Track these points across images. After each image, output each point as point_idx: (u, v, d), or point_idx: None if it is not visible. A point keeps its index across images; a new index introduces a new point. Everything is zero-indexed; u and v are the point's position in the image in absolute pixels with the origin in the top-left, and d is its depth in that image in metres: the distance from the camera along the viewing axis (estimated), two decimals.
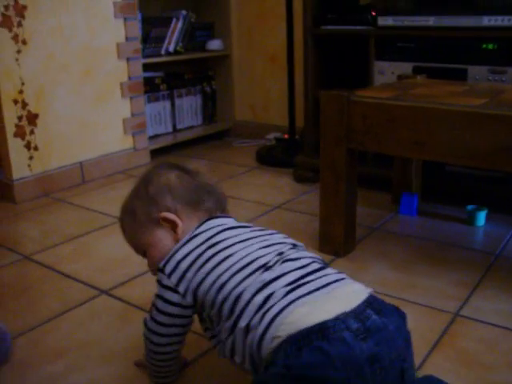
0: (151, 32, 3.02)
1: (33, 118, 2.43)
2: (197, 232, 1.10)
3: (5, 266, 1.82)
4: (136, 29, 2.80)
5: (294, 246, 1.08)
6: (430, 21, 2.17)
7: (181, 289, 1.05)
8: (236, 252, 1.03)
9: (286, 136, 3.05)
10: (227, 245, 1.05)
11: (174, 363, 1.18)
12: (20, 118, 2.39)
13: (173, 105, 3.26)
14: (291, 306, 0.91)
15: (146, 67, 2.93)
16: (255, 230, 1.12)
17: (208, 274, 1.03)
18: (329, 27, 2.43)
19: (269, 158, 2.88)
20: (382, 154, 2.31)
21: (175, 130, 3.31)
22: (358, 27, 2.36)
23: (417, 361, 1.26)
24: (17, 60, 2.34)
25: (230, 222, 1.14)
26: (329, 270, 1.01)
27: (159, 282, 1.08)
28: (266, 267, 0.99)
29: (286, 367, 0.86)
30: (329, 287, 0.95)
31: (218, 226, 1.11)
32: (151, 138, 3.11)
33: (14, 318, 1.51)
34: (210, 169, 2.87)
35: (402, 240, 1.89)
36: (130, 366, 1.30)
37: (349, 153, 1.68)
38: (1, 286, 1.69)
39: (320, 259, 1.06)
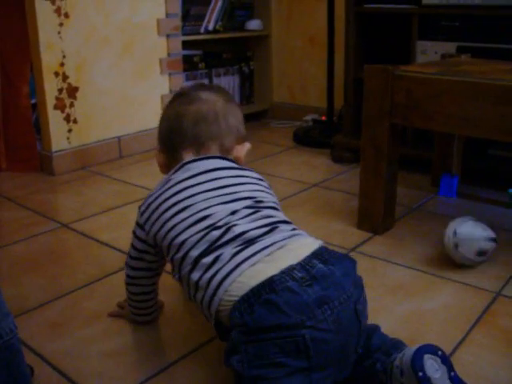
0: (191, 9, 3.01)
1: (73, 91, 2.45)
2: (171, 176, 1.14)
3: (44, 233, 1.84)
4: (176, 5, 2.79)
5: (259, 201, 1.09)
6: None
7: (146, 227, 1.13)
8: (195, 203, 1.06)
9: (323, 118, 3.02)
10: (191, 194, 1.08)
11: (147, 300, 1.26)
12: (60, 91, 2.40)
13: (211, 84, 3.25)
14: (237, 270, 0.96)
15: (185, 45, 2.92)
16: (230, 177, 1.12)
17: (166, 221, 1.08)
18: (371, 5, 2.39)
19: (306, 139, 2.86)
20: (423, 134, 2.30)
21: None
22: (402, 6, 2.31)
23: (458, 337, 1.25)
24: (59, 33, 2.35)
25: (207, 165, 1.13)
26: (282, 227, 1.04)
27: (136, 220, 1.17)
28: (216, 226, 1.02)
29: (244, 325, 0.92)
30: (276, 244, 0.99)
31: (193, 170, 1.12)
32: None
33: (53, 282, 1.52)
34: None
35: (441, 220, 1.85)
36: (165, 330, 1.31)
37: (392, 128, 1.65)
38: (40, 251, 1.71)
39: (280, 216, 1.09)
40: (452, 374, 0.95)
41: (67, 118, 2.45)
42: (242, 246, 0.99)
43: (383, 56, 2.48)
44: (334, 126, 2.85)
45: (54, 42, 2.34)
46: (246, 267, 0.96)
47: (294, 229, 1.07)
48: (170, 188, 1.12)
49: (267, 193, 1.15)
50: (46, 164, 2.46)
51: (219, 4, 3.16)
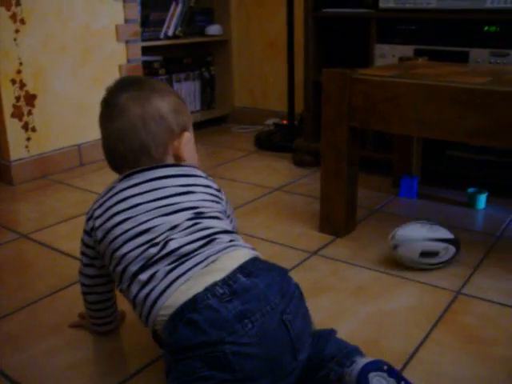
0: (150, 15, 3.00)
1: (31, 99, 2.41)
2: (115, 184, 1.11)
3: (3, 244, 1.81)
4: (135, 11, 2.78)
5: (200, 212, 1.07)
6: (432, 3, 2.15)
7: (92, 234, 1.11)
8: (137, 215, 1.05)
9: (284, 122, 3.04)
10: (133, 204, 1.06)
11: (106, 308, 1.24)
12: (18, 99, 2.37)
13: None
14: (170, 289, 0.97)
15: (144, 51, 2.91)
16: (174, 186, 1.09)
17: (108, 231, 1.07)
18: (330, 10, 2.41)
19: (268, 143, 2.87)
20: (383, 136, 2.33)
21: None
22: (359, 10, 2.34)
23: (420, 336, 1.26)
24: (15, 40, 2.32)
25: (153, 174, 1.10)
26: (219, 239, 1.03)
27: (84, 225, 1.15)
28: (154, 243, 1.01)
29: (169, 345, 0.94)
30: (208, 259, 0.99)
31: (137, 178, 1.09)
32: None
33: (13, 294, 1.50)
34: (209, 153, 2.85)
35: (401, 221, 1.86)
36: (127, 340, 1.30)
37: (350, 131, 1.67)
38: (0, 263, 1.68)
39: (220, 226, 1.07)
40: (402, 383, 0.96)
41: (25, 127, 2.41)
42: (175, 263, 0.99)
43: (342, 60, 2.51)
44: (295, 130, 2.86)
45: (10, 49, 2.30)
46: (178, 285, 0.97)
47: (231, 240, 1.05)
48: (113, 196, 1.09)
49: (212, 201, 1.12)
50: (4, 173, 2.41)
51: (179, 9, 3.15)
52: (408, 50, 2.25)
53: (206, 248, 1.01)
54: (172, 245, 1.01)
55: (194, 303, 0.93)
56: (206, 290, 0.94)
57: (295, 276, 1.46)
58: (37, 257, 1.72)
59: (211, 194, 1.13)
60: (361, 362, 0.97)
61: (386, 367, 0.96)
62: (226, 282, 0.95)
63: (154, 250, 1.01)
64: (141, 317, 1.02)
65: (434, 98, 1.50)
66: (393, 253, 1.57)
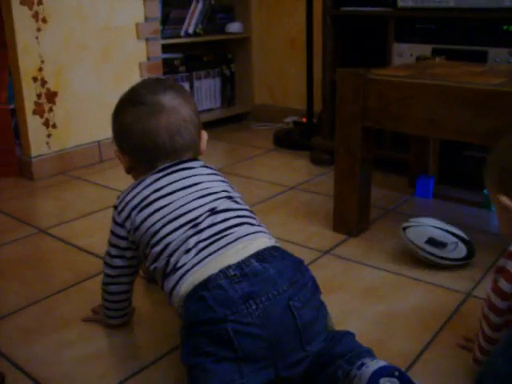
0: (171, 13, 3.02)
1: (52, 96, 2.45)
2: (147, 176, 1.16)
3: (21, 238, 1.84)
4: (156, 9, 2.80)
5: (229, 197, 1.15)
6: (451, 2, 2.14)
7: (127, 225, 1.16)
8: (173, 201, 1.12)
9: (303, 120, 3.04)
10: (168, 191, 1.13)
11: (124, 300, 1.29)
12: (39, 96, 2.41)
13: (191, 87, 3.26)
14: (198, 266, 1.03)
15: (165, 48, 2.94)
16: (202, 174, 1.18)
17: (145, 219, 1.12)
18: (348, 8, 2.41)
19: (286, 141, 2.88)
20: (399, 136, 2.32)
21: None
22: (378, 8, 2.34)
23: (427, 337, 1.26)
24: (37, 38, 2.36)
25: (181, 166, 1.18)
26: (247, 225, 1.10)
27: (112, 218, 1.19)
28: (194, 223, 1.08)
29: (184, 320, 1.03)
30: (238, 241, 1.06)
31: (167, 169, 1.16)
32: None
33: (29, 287, 1.53)
34: (227, 150, 2.87)
35: None
36: (139, 334, 1.33)
37: (364, 131, 1.67)
38: (17, 257, 1.71)
39: (247, 212, 1.15)
40: None
41: (46, 123, 2.45)
42: (209, 241, 1.06)
43: (361, 58, 2.51)
44: (313, 128, 2.86)
45: (31, 47, 2.34)
46: (207, 262, 1.04)
47: (258, 225, 1.14)
48: (148, 186, 1.15)
49: (232, 188, 1.22)
50: (25, 169, 2.46)
51: (199, 7, 3.17)
52: (426, 49, 2.24)
53: (237, 228, 1.08)
54: (207, 224, 1.08)
55: (207, 282, 1.00)
56: (220, 271, 1.00)
57: None
58: (54, 252, 1.75)
59: (229, 184, 1.23)
60: (372, 365, 0.96)
61: (397, 373, 0.95)
62: (240, 265, 1.01)
63: (193, 230, 1.07)
64: (170, 295, 1.07)
65: (446, 99, 1.49)
66: (401, 235, 1.58)
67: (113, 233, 1.20)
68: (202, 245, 1.05)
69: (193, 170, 1.17)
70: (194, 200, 1.12)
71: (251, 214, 1.16)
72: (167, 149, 1.17)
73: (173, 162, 1.18)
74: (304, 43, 2.84)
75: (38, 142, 2.44)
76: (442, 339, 1.26)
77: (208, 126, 3.25)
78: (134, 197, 1.15)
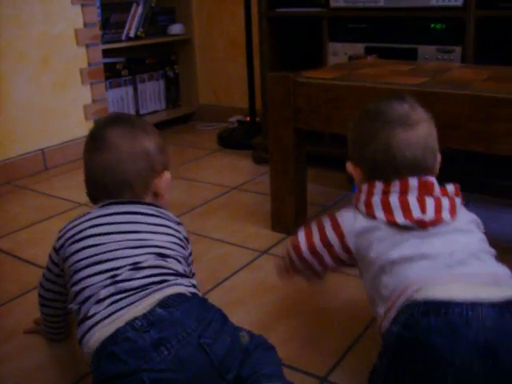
0: (111, 17, 3.03)
1: None
2: (93, 210, 1.16)
3: None
4: (94, 14, 2.81)
5: (160, 254, 1.10)
6: (381, 1, 2.22)
7: (61, 253, 1.15)
8: (104, 244, 1.09)
9: (247, 119, 3.08)
10: (103, 231, 1.11)
11: (59, 321, 1.30)
12: None
13: (135, 90, 3.28)
14: (104, 321, 1.00)
15: (106, 53, 2.94)
16: (144, 223, 1.14)
17: (74, 253, 1.10)
18: (283, 10, 2.46)
19: (230, 141, 2.92)
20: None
21: (138, 114, 3.32)
22: (311, 9, 2.39)
23: (358, 330, 1.32)
24: None
25: (132, 208, 1.15)
26: (166, 282, 1.05)
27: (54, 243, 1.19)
28: (113, 273, 1.05)
29: (94, 378, 0.99)
30: (147, 298, 1.02)
31: (112, 208, 1.15)
32: None
33: None
34: (172, 153, 2.90)
35: None
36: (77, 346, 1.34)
37: (296, 133, 1.73)
38: None
39: (172, 271, 1.09)
40: None
41: None
42: (121, 295, 1.03)
43: (298, 58, 2.57)
44: (257, 127, 2.90)
45: None
46: (112, 319, 1.01)
47: (175, 279, 1.08)
48: (88, 220, 1.14)
49: (178, 245, 1.17)
50: None
51: (139, 10, 3.18)
52: (359, 48, 2.31)
53: (155, 286, 1.04)
54: (125, 277, 1.05)
55: (114, 336, 0.97)
56: (127, 323, 0.98)
57: (243, 276, 1.53)
58: None
59: (178, 238, 1.17)
60: None
61: None
62: (145, 316, 0.99)
63: (110, 280, 1.04)
64: (80, 344, 1.04)
65: (370, 100, 1.55)
66: None
67: (50, 257, 1.21)
68: (114, 298, 1.02)
69: (139, 217, 1.14)
70: (122, 249, 1.09)
71: (176, 272, 1.11)
72: (98, 185, 1.18)
73: (121, 200, 1.16)
74: (244, 43, 2.88)
75: None
76: (373, 332, 1.32)
77: None
78: (73, 227, 1.14)
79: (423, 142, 1.13)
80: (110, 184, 1.16)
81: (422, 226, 1.06)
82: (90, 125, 2.86)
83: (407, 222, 1.07)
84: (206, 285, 1.54)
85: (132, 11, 3.16)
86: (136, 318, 0.98)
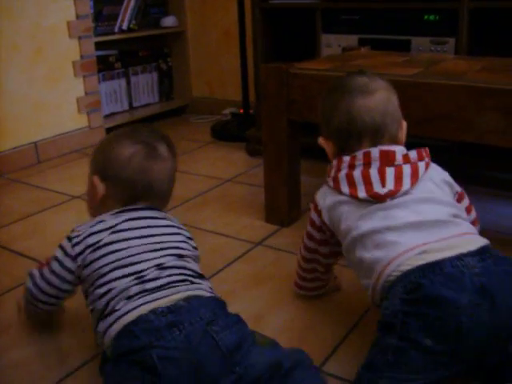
0: (103, 10, 3.02)
1: None
2: (109, 218, 1.20)
3: None
4: (87, 7, 2.79)
5: (179, 255, 1.18)
6: None
7: (79, 260, 1.17)
8: (127, 248, 1.14)
9: (241, 111, 3.08)
10: (125, 237, 1.16)
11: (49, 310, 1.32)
12: None
13: (128, 83, 3.27)
14: (132, 312, 1.06)
15: (99, 45, 2.93)
16: (159, 226, 1.21)
17: (97, 259, 1.14)
18: (276, 1, 2.46)
19: (223, 133, 2.92)
20: None
21: (132, 107, 3.31)
22: (305, 0, 2.39)
23: (353, 320, 1.33)
24: None
25: (143, 213, 1.22)
26: (186, 283, 1.13)
27: (62, 247, 1.19)
28: (139, 275, 1.11)
29: (111, 355, 1.06)
30: (166, 293, 1.09)
31: (130, 212, 1.21)
32: (107, 116, 3.12)
33: None
34: None
35: None
36: (69, 341, 1.34)
37: (290, 124, 1.72)
38: None
39: (192, 272, 1.17)
40: None
41: None
42: (147, 293, 1.09)
43: (291, 50, 2.56)
44: (250, 119, 2.90)
45: None
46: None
47: (199, 283, 1.16)
48: (108, 228, 1.17)
49: (191, 246, 1.24)
50: None
51: (132, 3, 3.17)
52: (352, 40, 2.31)
53: (179, 283, 1.12)
54: (152, 277, 1.11)
55: (136, 320, 1.04)
56: (150, 311, 1.05)
57: (237, 267, 1.54)
58: None
59: (187, 238, 1.25)
60: None
61: None
62: (168, 306, 1.06)
63: (137, 281, 1.10)
64: (104, 334, 1.09)
65: None
66: None
67: (60, 263, 1.20)
68: (143, 294, 1.08)
69: (153, 221, 1.21)
70: (144, 252, 1.15)
71: (196, 273, 1.19)
72: (153, 191, 1.24)
73: (141, 206, 1.23)
74: (238, 34, 2.88)
75: None
76: (368, 320, 1.33)
77: (146, 120, 3.27)
78: (92, 234, 1.17)
79: (382, 107, 1.20)
80: (162, 192, 1.26)
81: (378, 199, 1.14)
82: (83, 117, 2.86)
83: (366, 196, 1.15)
84: None
85: (125, 3, 3.14)
86: (159, 307, 1.05)
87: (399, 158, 1.17)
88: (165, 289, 1.09)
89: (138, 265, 1.13)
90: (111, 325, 1.07)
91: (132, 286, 1.10)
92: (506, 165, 2.07)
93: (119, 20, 3.13)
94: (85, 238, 1.17)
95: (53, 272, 1.21)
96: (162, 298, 1.08)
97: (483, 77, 1.50)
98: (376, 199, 1.14)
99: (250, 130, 2.63)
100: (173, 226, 1.24)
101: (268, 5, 2.47)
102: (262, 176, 1.85)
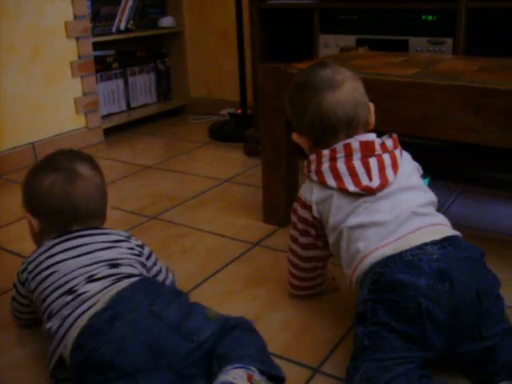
0: (101, 10, 3.02)
1: None
2: (47, 243, 1.25)
3: None
4: (84, 7, 2.79)
5: (114, 264, 1.20)
6: None
7: (26, 286, 1.25)
8: (60, 270, 1.19)
9: (239, 111, 3.08)
10: (58, 260, 1.20)
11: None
12: None
13: (126, 83, 3.26)
14: (71, 329, 1.10)
15: (96, 46, 2.93)
16: (95, 243, 1.24)
17: (37, 285, 1.20)
18: (274, 1, 2.46)
19: (221, 134, 2.92)
20: None
21: (129, 108, 3.31)
22: (302, 1, 2.39)
23: (350, 321, 1.33)
24: None
25: (77, 235, 1.25)
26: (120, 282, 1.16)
27: (17, 274, 1.29)
28: (71, 291, 1.15)
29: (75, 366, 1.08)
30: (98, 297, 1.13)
31: (65, 236, 1.25)
32: (105, 116, 3.12)
33: None
34: (163, 146, 2.90)
35: None
36: None
37: (288, 124, 1.72)
38: None
39: (123, 274, 1.19)
40: None
41: None
42: (80, 305, 1.13)
43: (289, 50, 2.56)
44: (248, 119, 2.90)
45: None
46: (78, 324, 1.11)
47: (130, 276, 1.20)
48: (43, 253, 1.23)
49: (131, 254, 1.27)
50: None
51: (130, 3, 3.17)
52: (350, 40, 2.31)
53: (109, 288, 1.14)
54: (83, 290, 1.14)
55: (80, 333, 1.07)
56: (89, 319, 1.08)
57: (235, 268, 1.54)
58: None
59: (129, 248, 1.28)
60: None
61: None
62: (103, 306, 1.09)
63: (71, 297, 1.14)
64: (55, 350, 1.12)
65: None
66: None
67: (17, 289, 1.31)
68: (76, 311, 1.11)
69: (87, 238, 1.24)
70: (75, 270, 1.18)
71: (132, 274, 1.20)
72: (83, 212, 1.26)
73: (76, 229, 1.26)
74: (235, 35, 2.88)
75: None
76: None
77: (144, 121, 3.27)
78: (31, 262, 1.24)
79: (351, 99, 1.24)
80: (92, 212, 1.29)
81: (370, 192, 1.18)
82: (80, 118, 2.85)
83: (357, 190, 1.18)
84: (197, 277, 1.54)
85: (122, 4, 3.14)
86: (96, 312, 1.09)
87: (378, 148, 1.21)
88: (97, 294, 1.12)
89: (71, 282, 1.16)
90: (58, 345, 1.10)
91: (68, 302, 1.13)
92: (505, 165, 2.07)
93: (117, 20, 3.13)
94: (27, 264, 1.25)
95: (14, 298, 1.33)
96: (96, 302, 1.10)
97: (481, 77, 1.50)
98: (367, 192, 1.18)
99: (247, 131, 2.63)
100: (109, 241, 1.25)
101: (266, 5, 2.48)
102: (260, 176, 1.86)
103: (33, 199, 1.28)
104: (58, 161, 1.28)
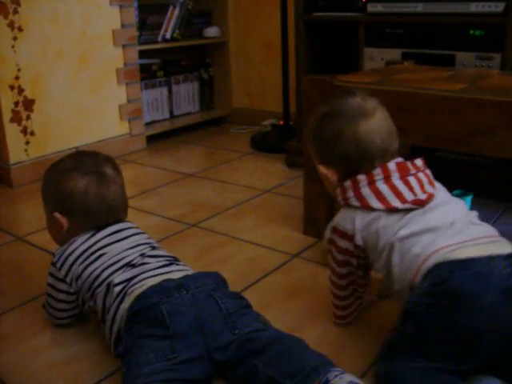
0: (148, 19, 3.06)
1: (29, 104, 2.48)
2: (83, 235, 1.35)
3: None
4: (132, 16, 2.84)
5: (153, 247, 1.35)
6: (419, 7, 2.20)
7: (68, 279, 1.32)
8: (110, 251, 1.30)
9: (281, 122, 3.08)
10: (104, 244, 1.32)
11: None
12: (16, 104, 2.43)
13: (170, 91, 3.30)
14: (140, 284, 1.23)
15: (142, 54, 2.97)
16: (129, 228, 1.38)
17: (87, 267, 1.29)
18: (320, 14, 2.46)
19: (263, 144, 2.92)
20: None
21: (172, 116, 3.35)
22: (348, 14, 2.38)
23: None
24: (13, 47, 2.38)
25: (113, 228, 1.37)
26: (175, 264, 1.31)
27: (51, 274, 1.35)
28: (131, 264, 1.27)
29: (126, 320, 1.19)
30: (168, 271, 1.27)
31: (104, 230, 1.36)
32: (148, 124, 3.15)
33: (5, 295, 1.56)
34: (205, 155, 2.91)
35: None
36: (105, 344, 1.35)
37: None
38: None
39: (172, 257, 1.35)
40: None
41: (24, 131, 2.48)
42: (150, 273, 1.26)
43: (333, 63, 2.55)
44: (290, 131, 2.90)
45: (8, 56, 2.37)
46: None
47: (184, 265, 1.35)
48: (85, 242, 1.33)
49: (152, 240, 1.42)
50: (4, 176, 2.49)
51: (176, 12, 3.20)
52: (396, 54, 2.29)
53: (171, 268, 1.29)
54: (144, 261, 1.29)
55: (147, 289, 1.19)
56: (160, 281, 1.21)
57: (273, 279, 1.53)
58: (31, 259, 1.78)
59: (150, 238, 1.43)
60: None
61: None
62: (178, 279, 1.22)
63: (133, 268, 1.27)
64: (113, 317, 1.23)
65: (409, 105, 1.54)
66: None
67: (53, 287, 1.35)
68: (146, 274, 1.25)
69: (120, 225, 1.38)
70: (125, 250, 1.31)
71: (174, 257, 1.36)
72: (114, 210, 1.38)
73: (108, 223, 1.37)
74: (280, 46, 2.89)
75: (17, 149, 2.47)
76: None
77: (187, 129, 3.30)
78: (73, 252, 1.32)
79: (385, 125, 1.24)
80: (121, 209, 1.42)
81: (420, 204, 1.16)
82: (124, 124, 2.89)
83: (406, 205, 1.16)
84: (236, 286, 1.54)
85: (169, 13, 3.18)
86: (169, 279, 1.22)
87: (411, 167, 1.22)
88: (160, 268, 1.27)
89: (127, 257, 1.28)
90: (121, 302, 1.21)
91: (133, 269, 1.25)
92: None
93: (163, 29, 3.17)
94: (66, 257, 1.32)
95: (51, 296, 1.36)
96: (164, 273, 1.24)
97: None
98: (417, 205, 1.16)
99: (290, 142, 2.62)
100: (136, 227, 1.41)
101: (311, 17, 2.47)
102: (301, 188, 1.85)
103: (67, 201, 1.35)
104: (87, 163, 1.36)
